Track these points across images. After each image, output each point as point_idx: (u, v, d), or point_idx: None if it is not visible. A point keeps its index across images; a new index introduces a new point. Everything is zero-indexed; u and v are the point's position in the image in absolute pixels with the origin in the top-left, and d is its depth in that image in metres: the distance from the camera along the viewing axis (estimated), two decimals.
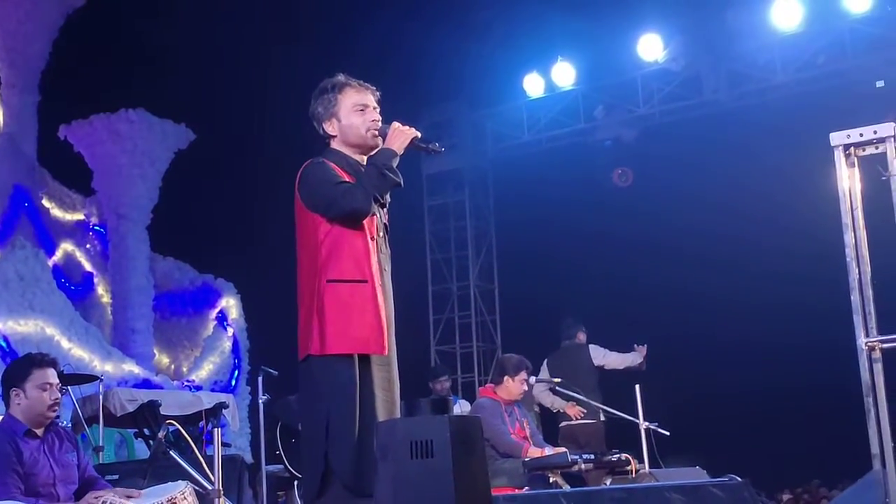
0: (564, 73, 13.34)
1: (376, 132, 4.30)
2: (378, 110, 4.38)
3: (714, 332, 11.88)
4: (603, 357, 10.08)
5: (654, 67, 12.75)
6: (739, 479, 4.81)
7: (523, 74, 13.65)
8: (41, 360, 5.10)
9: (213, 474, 4.82)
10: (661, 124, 13.08)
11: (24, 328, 10.44)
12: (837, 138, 4.36)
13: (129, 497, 4.53)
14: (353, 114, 4.32)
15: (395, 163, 4.20)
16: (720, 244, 11.90)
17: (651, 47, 12.51)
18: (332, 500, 4.00)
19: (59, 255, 13.71)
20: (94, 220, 14.22)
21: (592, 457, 7.32)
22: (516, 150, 14.26)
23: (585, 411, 9.77)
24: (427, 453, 3.39)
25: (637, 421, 7.91)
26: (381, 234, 4.32)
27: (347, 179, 4.20)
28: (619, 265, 12.70)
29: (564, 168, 13.42)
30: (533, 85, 13.64)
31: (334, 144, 4.36)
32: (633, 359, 9.99)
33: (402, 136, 4.22)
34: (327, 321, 4.06)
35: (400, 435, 3.47)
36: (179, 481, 4.74)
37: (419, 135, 4.26)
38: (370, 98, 4.37)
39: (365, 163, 4.31)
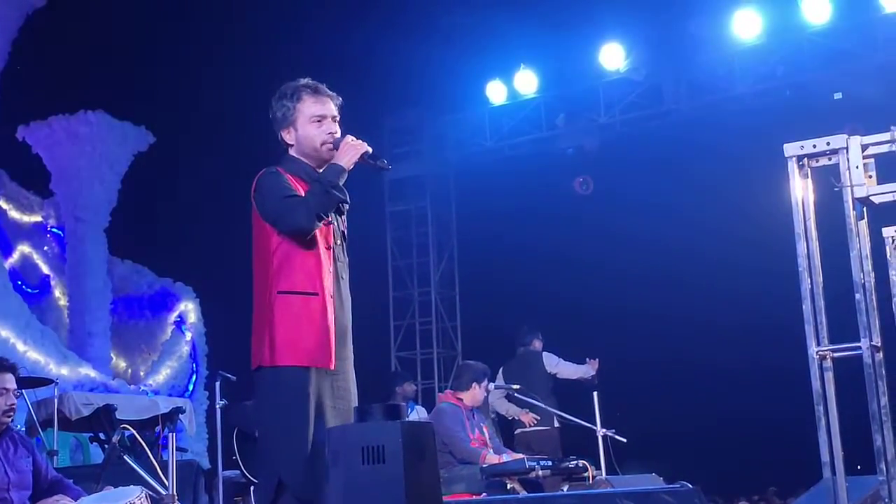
0: (527, 81, 13.37)
1: (331, 145, 4.26)
2: (338, 119, 4.34)
3: (671, 341, 11.98)
4: (556, 365, 10.14)
5: (615, 77, 12.81)
6: (691, 485, 4.85)
7: (486, 81, 13.66)
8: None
9: (167, 480, 4.79)
10: (622, 133, 13.15)
11: None
12: (791, 149, 4.41)
13: None
14: (310, 125, 4.27)
15: (342, 179, 4.16)
16: (678, 253, 12.00)
17: (613, 57, 12.57)
18: None
19: (15, 256, 13.56)
20: (51, 222, 14.09)
21: (550, 463, 7.37)
22: (478, 156, 14.28)
23: (539, 418, 9.83)
24: (379, 459, 3.39)
25: (595, 428, 7.96)
26: (339, 241, 4.30)
27: (300, 191, 4.17)
28: (580, 274, 12.75)
29: (526, 176, 13.46)
30: (495, 92, 13.66)
31: (291, 152, 4.34)
32: (585, 370, 10.06)
33: (352, 150, 4.19)
34: (277, 332, 4.05)
35: (352, 440, 3.47)
36: (133, 486, 4.70)
37: (370, 150, 4.23)
38: (329, 107, 4.32)
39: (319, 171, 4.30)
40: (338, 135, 4.29)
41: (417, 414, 9.93)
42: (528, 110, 13.68)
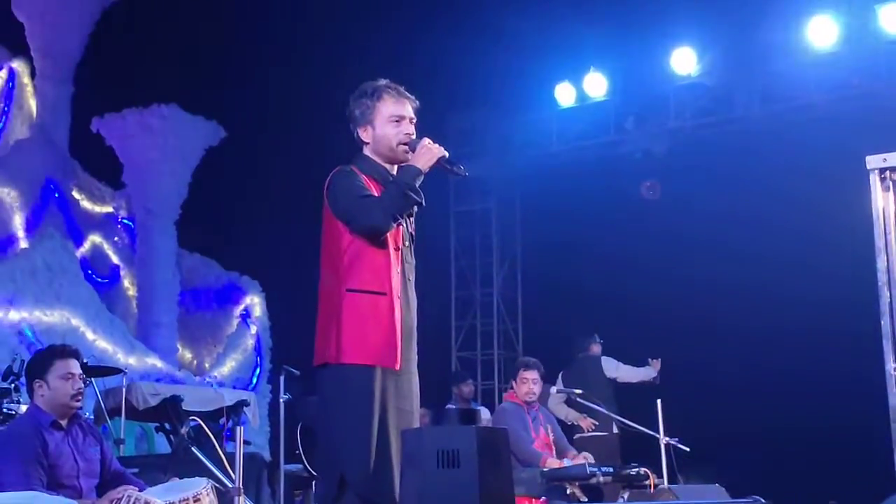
0: (596, 84, 13.29)
1: (406, 147, 4.30)
2: (414, 122, 4.38)
3: (738, 349, 11.81)
4: (616, 369, 10.11)
5: (686, 81, 12.68)
6: (763, 500, 4.77)
7: (555, 83, 13.61)
8: (63, 350, 5.14)
9: (233, 472, 4.83)
10: (691, 138, 13.00)
11: (49, 318, 10.51)
12: (873, 162, 4.34)
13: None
14: (388, 124, 4.32)
15: (418, 182, 4.19)
16: (747, 261, 11.82)
17: (684, 61, 12.45)
18: None
19: (86, 246, 13.80)
20: (122, 213, 14.31)
21: (611, 470, 7.31)
22: (545, 159, 14.20)
23: (597, 423, 9.79)
24: (454, 463, 3.40)
25: (657, 435, 7.89)
26: (407, 243, 4.32)
27: (374, 191, 4.20)
28: (645, 279, 12.64)
29: (593, 179, 13.36)
30: (564, 94, 13.59)
31: (366, 150, 4.37)
32: (646, 373, 9.99)
33: (428, 154, 4.22)
34: (344, 330, 4.07)
35: (427, 444, 3.48)
36: (200, 478, 4.75)
37: (447, 154, 4.26)
38: (408, 109, 4.37)
39: (395, 173, 4.32)
40: (414, 136, 4.32)
41: (480, 414, 9.93)
42: (597, 113, 13.57)
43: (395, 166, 4.34)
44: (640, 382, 10.04)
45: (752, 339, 11.76)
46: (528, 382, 7.77)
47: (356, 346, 4.06)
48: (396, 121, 4.32)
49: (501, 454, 3.54)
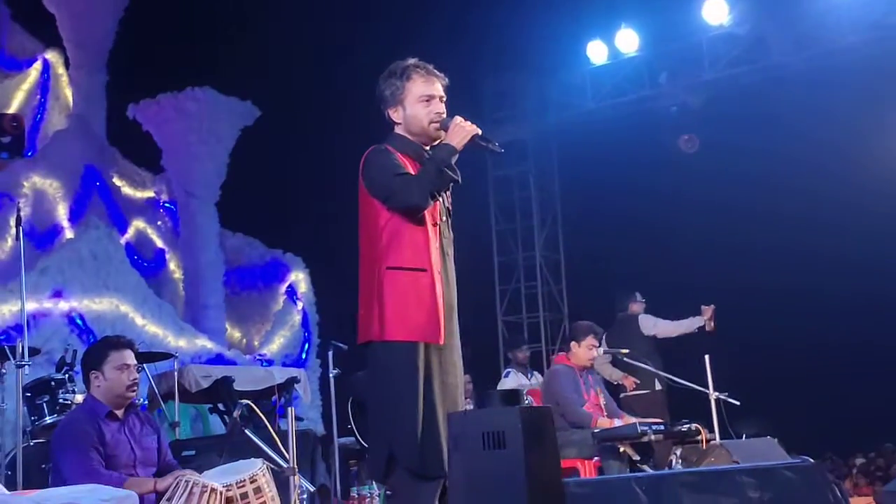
0: (628, 40, 13.21)
1: (438, 125, 4.31)
2: (444, 100, 4.38)
3: (779, 303, 11.73)
4: (654, 326, 10.05)
5: (719, 31, 12.57)
6: (812, 460, 4.77)
7: (586, 41, 13.54)
8: (118, 342, 5.22)
9: (287, 452, 4.89)
10: (727, 89, 12.88)
11: (98, 306, 10.65)
12: None
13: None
14: (418, 104, 4.32)
15: (454, 159, 4.20)
16: (791, 212, 11.72)
17: (716, 11, 12.32)
18: (398, 483, 4.08)
19: (131, 232, 13.94)
20: (164, 197, 14.43)
21: (662, 427, 7.32)
22: (580, 118, 14.16)
23: (639, 382, 9.78)
24: (499, 444, 3.43)
25: (707, 391, 7.87)
26: (444, 218, 4.34)
27: (409, 168, 4.22)
28: (686, 233, 12.58)
29: (629, 135, 13.29)
30: (596, 52, 13.53)
31: (398, 130, 4.38)
32: (688, 324, 9.92)
33: (462, 132, 4.22)
34: (387, 308, 4.10)
35: (472, 426, 3.51)
36: (255, 459, 4.81)
37: (480, 132, 4.26)
38: (437, 87, 4.37)
39: (428, 149, 4.33)
40: (444, 115, 4.32)
41: (537, 379, 9.98)
42: (630, 69, 13.51)
43: (428, 145, 4.35)
44: (692, 332, 9.98)
45: (795, 291, 11.68)
46: (594, 349, 7.79)
47: (399, 323, 4.09)
48: (426, 100, 4.33)
49: (546, 432, 3.56)
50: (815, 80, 12.10)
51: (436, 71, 4.39)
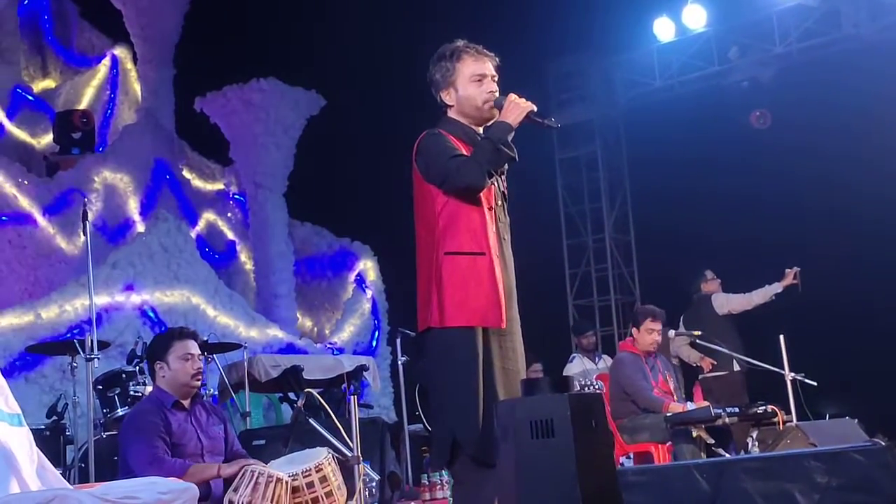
0: (696, 15, 12.99)
1: (492, 104, 4.25)
2: (496, 79, 4.32)
3: (855, 280, 11.41)
4: (726, 303, 9.93)
5: (789, 4, 12.30)
6: (883, 442, 4.60)
7: (653, 19, 13.34)
8: (181, 332, 5.28)
9: (351, 441, 4.88)
10: (799, 63, 12.61)
11: (170, 299, 10.74)
12: None
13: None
14: (471, 84, 4.27)
15: (510, 137, 4.13)
16: (868, 186, 11.40)
17: None
18: (462, 469, 4.04)
19: (201, 224, 14.07)
20: (233, 188, 14.53)
21: (737, 410, 7.20)
22: (648, 97, 13.98)
23: (716, 363, 9.66)
24: (548, 433, 3.34)
25: (782, 372, 7.72)
26: (500, 202, 4.28)
27: (464, 151, 4.16)
28: (760, 210, 12.33)
29: (699, 113, 13.08)
30: (663, 29, 13.33)
31: (451, 113, 4.33)
32: (763, 293, 9.78)
33: (517, 109, 4.15)
34: (446, 294, 4.04)
35: (520, 415, 3.43)
36: (321, 448, 4.80)
37: (535, 108, 4.19)
38: (488, 66, 4.31)
39: (481, 132, 4.28)
40: (497, 93, 4.26)
41: (605, 362, 9.91)
42: (698, 45, 13.29)
43: (482, 127, 4.30)
44: (760, 304, 9.81)
45: (876, 265, 11.36)
46: (654, 333, 7.70)
47: (459, 309, 4.03)
48: (478, 79, 4.27)
49: (598, 420, 3.45)
50: (890, 51, 11.75)
51: (486, 50, 4.33)
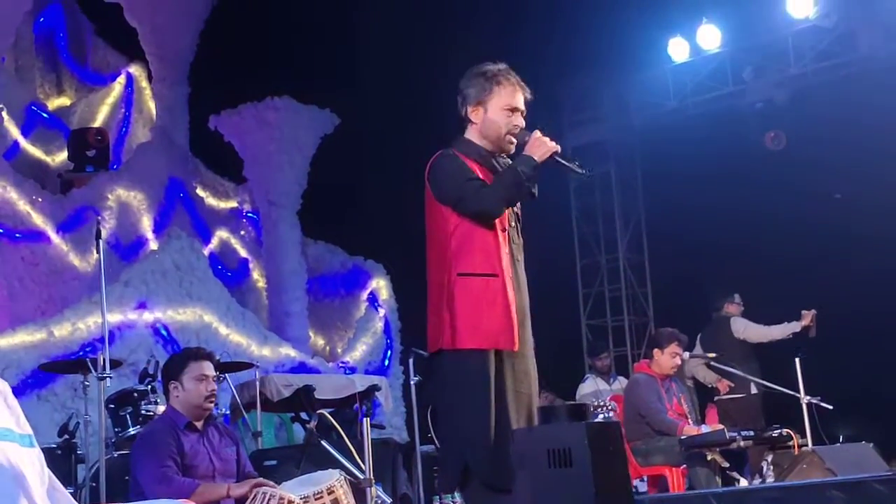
0: (710, 36, 12.98)
1: (513, 137, 4.24)
2: (524, 115, 4.32)
3: (873, 302, 11.33)
4: (743, 331, 9.87)
5: (804, 25, 12.26)
6: None
7: (667, 39, 13.32)
8: (197, 353, 5.26)
9: (363, 462, 4.84)
10: (814, 84, 12.56)
11: (182, 317, 10.73)
12: None
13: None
14: (502, 112, 4.28)
15: (535, 173, 4.13)
16: (885, 208, 11.33)
17: (801, 4, 12.03)
18: (473, 495, 3.99)
19: (214, 242, 14.06)
20: (246, 207, 14.53)
21: (751, 433, 7.14)
22: (662, 118, 13.95)
23: (734, 385, 9.60)
24: (566, 462, 3.30)
25: (798, 395, 7.66)
26: (514, 223, 4.27)
27: (478, 172, 4.14)
28: (775, 232, 12.27)
29: (713, 134, 13.04)
30: (677, 49, 13.31)
31: (470, 131, 4.31)
32: (782, 330, 9.70)
33: (543, 147, 4.16)
34: (458, 315, 4.02)
35: (537, 443, 3.39)
36: (333, 470, 4.77)
37: (559, 149, 4.19)
38: (520, 101, 4.33)
39: (496, 157, 4.26)
40: (523, 128, 4.26)
41: (620, 384, 9.86)
42: (713, 66, 13.27)
43: (495, 154, 4.30)
44: (786, 338, 9.73)
45: (888, 290, 11.27)
46: (678, 357, 7.66)
47: (471, 331, 4.00)
48: (510, 111, 4.28)
49: (616, 447, 3.41)
50: None
51: (523, 83, 4.35)
